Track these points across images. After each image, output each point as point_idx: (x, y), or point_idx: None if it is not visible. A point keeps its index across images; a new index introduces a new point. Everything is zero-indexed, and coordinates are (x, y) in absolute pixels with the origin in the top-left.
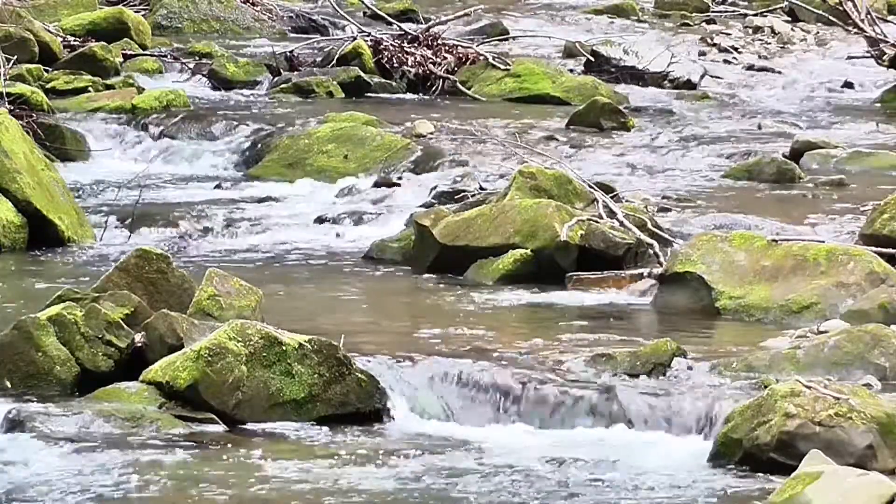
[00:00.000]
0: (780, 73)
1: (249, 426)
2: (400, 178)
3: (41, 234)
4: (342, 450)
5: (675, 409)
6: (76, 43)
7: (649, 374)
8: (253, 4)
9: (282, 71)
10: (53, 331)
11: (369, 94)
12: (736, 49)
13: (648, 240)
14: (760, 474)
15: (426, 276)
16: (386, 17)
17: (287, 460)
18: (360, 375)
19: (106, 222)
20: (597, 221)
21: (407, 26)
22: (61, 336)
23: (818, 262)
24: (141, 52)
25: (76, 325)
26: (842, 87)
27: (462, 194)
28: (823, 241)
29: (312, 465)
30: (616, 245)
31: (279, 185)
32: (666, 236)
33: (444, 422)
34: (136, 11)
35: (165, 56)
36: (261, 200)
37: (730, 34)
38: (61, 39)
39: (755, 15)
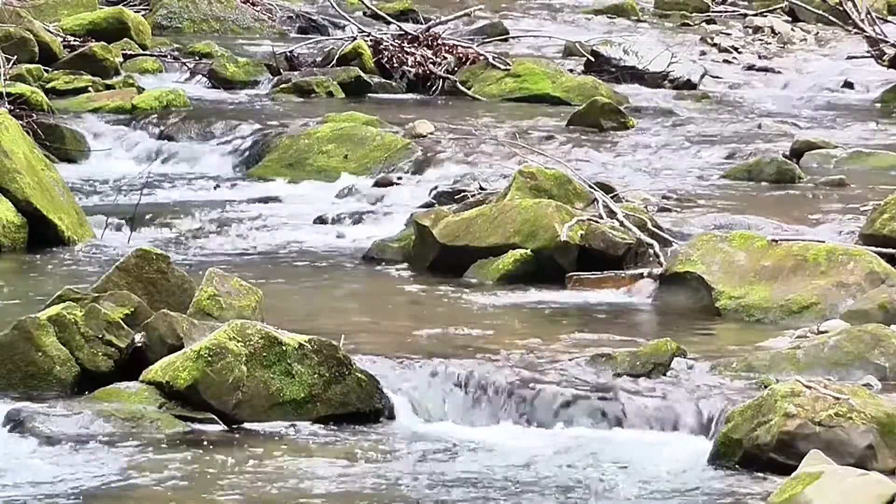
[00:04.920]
0: (780, 73)
1: (249, 426)
2: (400, 178)
3: (41, 234)
4: (342, 450)
5: (675, 409)
6: (76, 43)
7: (649, 374)
8: (253, 4)
9: (282, 71)
10: (53, 331)
11: (369, 94)
12: (736, 49)
13: (648, 240)
14: (760, 474)
15: (426, 276)
16: (386, 17)
17: (287, 460)
18: (360, 375)
19: (106, 222)
20: (597, 221)
21: (407, 26)
22: (61, 336)
23: (818, 262)
24: (141, 52)
25: (76, 325)
26: (842, 87)
27: (462, 194)
28: (823, 241)
29: (312, 465)
30: (616, 245)
31: (279, 185)
32: (666, 236)
33: (444, 422)
34: (136, 11)
35: (165, 56)
36: (261, 200)
37: (730, 34)
38: (61, 39)
39: (755, 15)
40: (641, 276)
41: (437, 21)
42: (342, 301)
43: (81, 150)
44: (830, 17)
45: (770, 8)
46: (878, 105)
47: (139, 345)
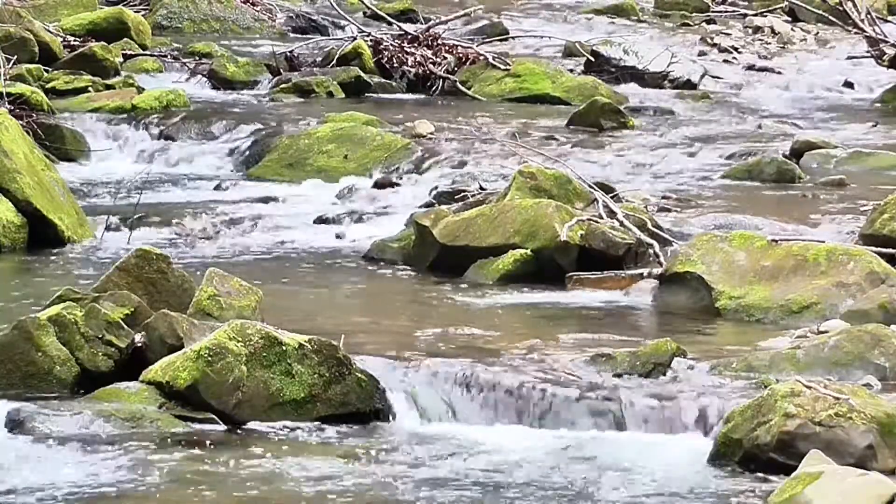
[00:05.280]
0: (780, 73)
1: (249, 426)
2: (400, 178)
3: (41, 234)
4: (342, 450)
5: (675, 409)
6: (76, 43)
7: (649, 374)
8: (253, 4)
9: (282, 71)
10: (53, 331)
11: (369, 94)
12: (736, 49)
13: (648, 240)
14: (760, 474)
15: (426, 276)
16: (386, 17)
17: (287, 460)
18: (360, 375)
19: (106, 222)
20: (597, 221)
21: (407, 26)
22: (61, 336)
23: (818, 262)
24: (141, 52)
25: (76, 325)
26: (842, 86)
27: (462, 194)
28: (823, 241)
29: (312, 465)
30: (616, 245)
31: (279, 185)
32: (666, 236)
33: (444, 422)
34: (136, 11)
35: (165, 56)
36: (261, 200)
37: (730, 34)
38: (61, 39)
39: (755, 15)
40: (641, 276)
41: (437, 21)
42: (342, 301)
43: (81, 150)
44: (830, 17)
45: (770, 8)
46: (878, 105)
47: (139, 345)
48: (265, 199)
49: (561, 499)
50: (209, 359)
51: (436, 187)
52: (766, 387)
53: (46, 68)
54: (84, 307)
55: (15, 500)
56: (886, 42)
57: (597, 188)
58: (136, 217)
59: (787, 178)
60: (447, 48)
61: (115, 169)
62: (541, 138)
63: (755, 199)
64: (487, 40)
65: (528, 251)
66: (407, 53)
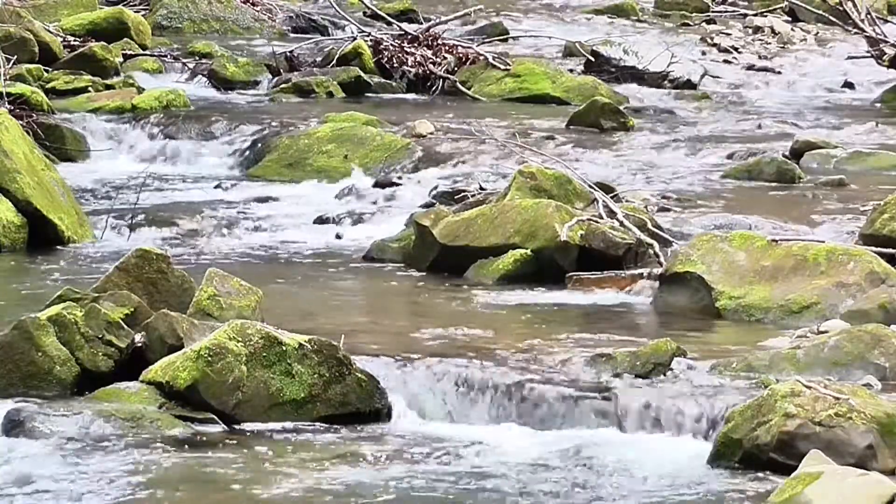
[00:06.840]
0: (780, 73)
1: (249, 426)
2: (400, 178)
3: (41, 234)
4: (342, 450)
5: (675, 410)
6: (76, 43)
7: (649, 374)
8: (253, 4)
9: (282, 71)
10: (53, 331)
11: (369, 94)
12: (736, 49)
13: (648, 240)
14: (760, 474)
15: (426, 276)
16: (386, 17)
17: (287, 460)
18: (360, 375)
19: (106, 222)
20: (597, 221)
21: (407, 26)
22: (61, 336)
23: (818, 262)
24: (141, 52)
25: (76, 325)
26: (842, 87)
27: (462, 194)
28: (823, 241)
29: (312, 465)
30: (616, 245)
31: (279, 185)
32: (666, 236)
33: (444, 422)
34: (136, 11)
35: (165, 56)
36: (261, 200)
37: (730, 34)
38: (61, 39)
39: (755, 15)
40: (641, 276)
41: (437, 21)
42: (342, 301)
43: (81, 150)
44: (830, 17)
45: (770, 8)
46: (878, 105)
47: (139, 345)
48: (265, 199)
49: (560, 499)
50: (209, 359)
51: (436, 187)
52: (766, 387)
53: (46, 68)
54: (84, 307)
55: (15, 500)
56: (886, 42)
57: (597, 188)
58: (135, 217)
59: (787, 178)
60: (447, 48)
61: (115, 169)
62: (541, 138)
63: (755, 199)
64: (487, 40)
65: (528, 251)
66: (407, 53)
